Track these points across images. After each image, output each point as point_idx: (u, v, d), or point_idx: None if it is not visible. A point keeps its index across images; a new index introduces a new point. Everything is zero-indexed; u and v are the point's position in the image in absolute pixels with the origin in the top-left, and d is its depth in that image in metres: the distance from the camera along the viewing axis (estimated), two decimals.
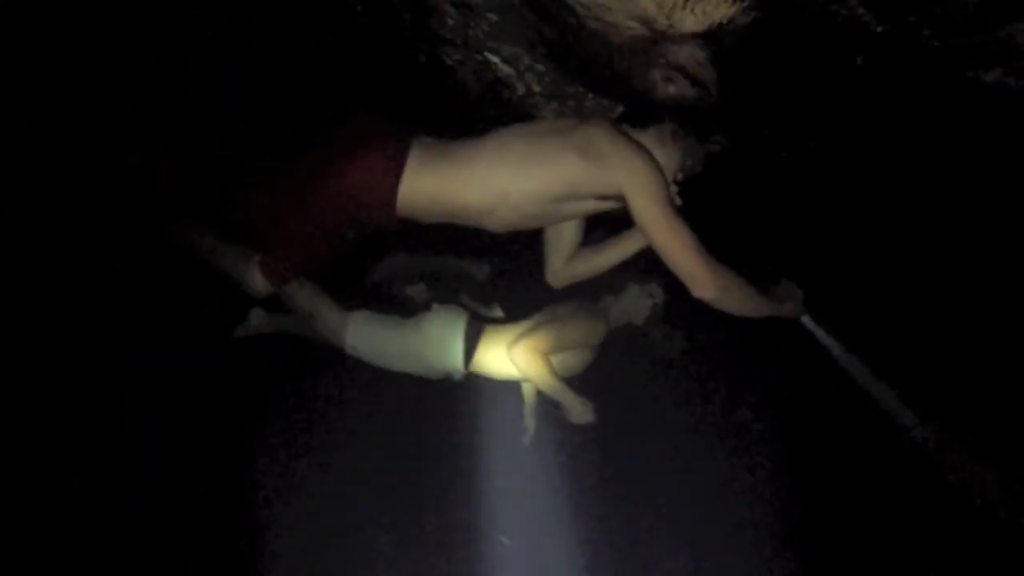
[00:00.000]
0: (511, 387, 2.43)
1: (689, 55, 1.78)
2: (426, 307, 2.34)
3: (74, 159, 1.94)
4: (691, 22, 1.62)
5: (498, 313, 2.58)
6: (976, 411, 2.18)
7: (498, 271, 2.94)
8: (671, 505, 2.88)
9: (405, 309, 2.39)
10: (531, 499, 2.84)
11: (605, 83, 2.04)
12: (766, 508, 2.76)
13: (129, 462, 2.31)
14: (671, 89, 1.90)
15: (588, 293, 2.22)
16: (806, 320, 1.72)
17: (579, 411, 2.03)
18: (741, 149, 2.20)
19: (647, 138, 1.61)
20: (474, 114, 2.21)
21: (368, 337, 2.23)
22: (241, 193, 1.75)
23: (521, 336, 2.13)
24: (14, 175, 1.92)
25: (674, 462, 3.01)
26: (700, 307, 1.48)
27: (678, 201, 1.57)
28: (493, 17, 1.87)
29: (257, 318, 2.38)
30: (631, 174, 1.47)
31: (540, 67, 2.06)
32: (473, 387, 2.47)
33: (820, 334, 1.79)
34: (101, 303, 2.25)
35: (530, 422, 2.48)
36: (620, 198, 1.50)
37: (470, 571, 2.67)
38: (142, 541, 2.22)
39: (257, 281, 1.67)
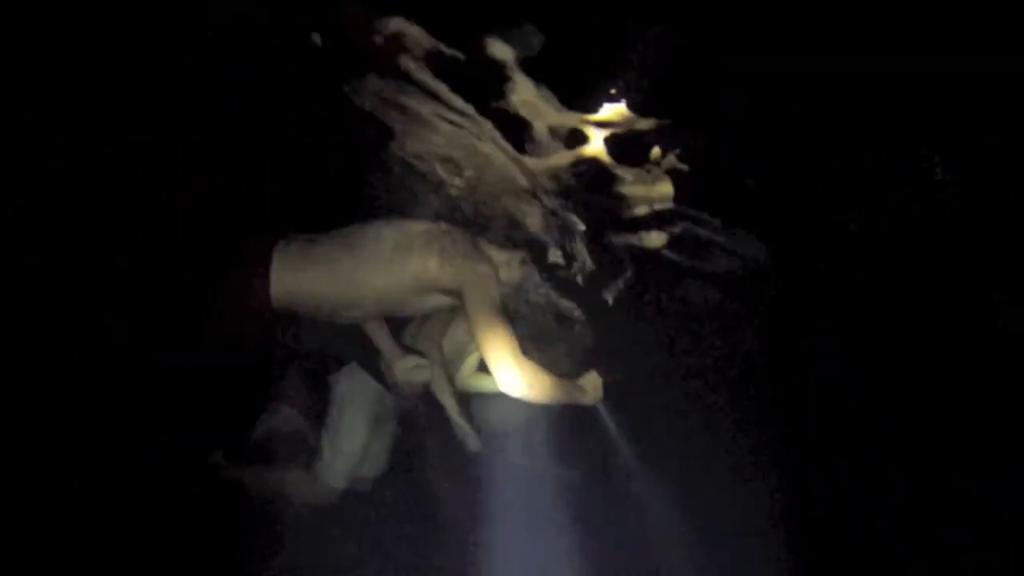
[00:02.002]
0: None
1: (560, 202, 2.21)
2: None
3: (74, 159, 1.94)
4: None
5: None
6: None
7: None
8: (675, 497, 2.89)
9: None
10: (531, 497, 2.84)
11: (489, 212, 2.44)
12: (772, 502, 2.76)
13: (129, 462, 2.31)
14: (538, 228, 2.32)
15: None
16: (600, 408, 2.00)
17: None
18: None
19: (500, 255, 1.94)
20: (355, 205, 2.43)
21: (344, 465, 2.38)
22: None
23: (413, 337, 2.29)
24: (14, 175, 1.92)
25: (677, 456, 3.01)
26: None
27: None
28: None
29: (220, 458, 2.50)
30: (468, 277, 1.70)
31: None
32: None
33: (608, 423, 2.14)
34: (101, 303, 2.25)
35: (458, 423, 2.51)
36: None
37: (470, 568, 2.68)
38: (143, 541, 2.23)
39: None
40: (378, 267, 1.74)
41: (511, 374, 1.62)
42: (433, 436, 2.89)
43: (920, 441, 2.42)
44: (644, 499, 2.97)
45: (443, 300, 1.83)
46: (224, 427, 2.59)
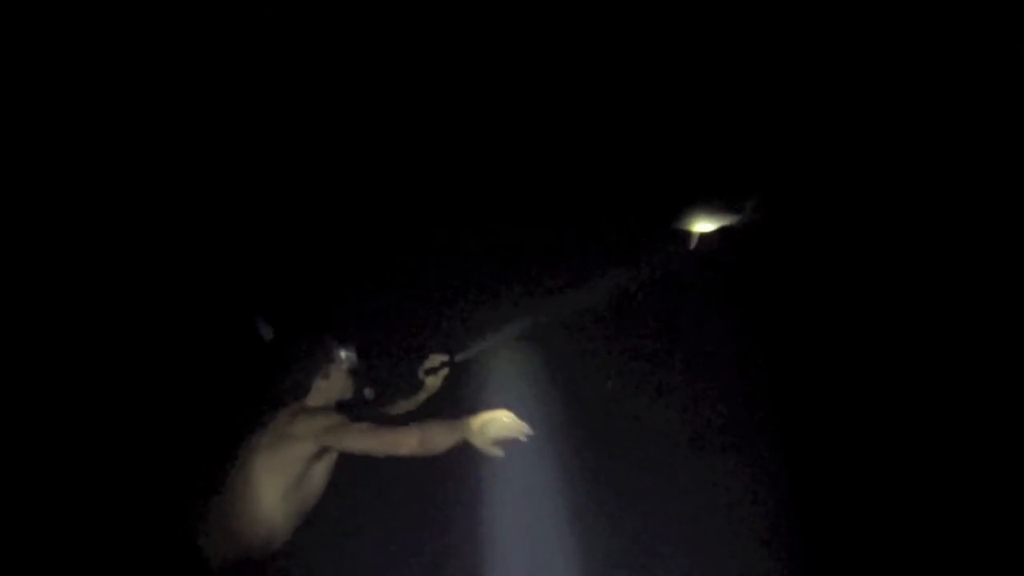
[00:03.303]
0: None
1: None
2: None
3: (74, 159, 1.94)
4: None
5: None
6: None
7: None
8: (665, 503, 2.89)
9: None
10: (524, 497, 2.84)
11: None
12: (765, 502, 2.76)
13: (129, 462, 2.31)
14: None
15: None
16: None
17: None
18: None
19: (316, 391, 1.91)
20: None
21: None
22: None
23: None
24: (14, 175, 1.93)
25: (664, 461, 3.01)
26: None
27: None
28: None
29: None
30: (312, 431, 1.74)
31: None
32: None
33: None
34: (101, 302, 2.25)
35: None
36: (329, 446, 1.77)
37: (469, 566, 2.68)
38: (142, 541, 2.23)
39: None
40: (264, 489, 1.79)
41: (410, 444, 1.66)
42: None
43: (920, 441, 2.42)
44: (637, 501, 2.97)
45: (332, 455, 1.85)
46: (223, 427, 2.59)
